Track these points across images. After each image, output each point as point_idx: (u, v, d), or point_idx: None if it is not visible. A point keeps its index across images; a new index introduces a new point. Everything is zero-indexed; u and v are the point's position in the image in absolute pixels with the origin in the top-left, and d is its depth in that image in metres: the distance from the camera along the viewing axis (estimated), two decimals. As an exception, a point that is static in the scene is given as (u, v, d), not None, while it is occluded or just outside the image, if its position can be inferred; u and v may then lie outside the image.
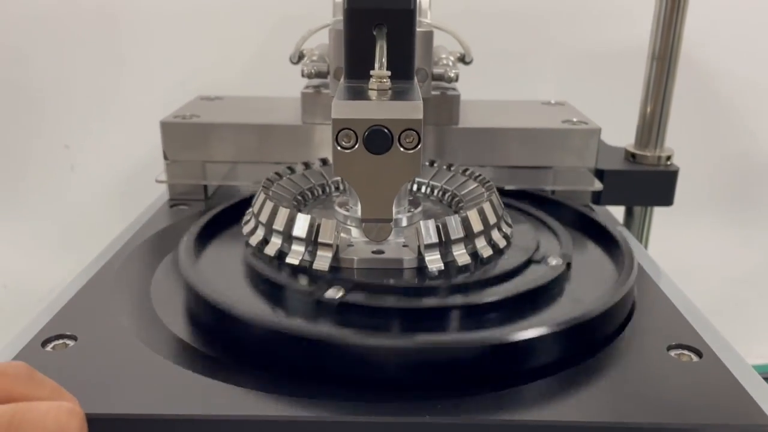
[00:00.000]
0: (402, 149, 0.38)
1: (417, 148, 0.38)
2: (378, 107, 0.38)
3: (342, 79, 0.45)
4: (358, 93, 0.40)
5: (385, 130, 0.37)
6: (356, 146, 0.38)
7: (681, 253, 0.90)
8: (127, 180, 0.94)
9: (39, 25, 0.87)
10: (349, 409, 0.35)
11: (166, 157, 0.65)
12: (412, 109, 0.38)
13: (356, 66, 0.43)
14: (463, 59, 0.65)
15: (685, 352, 0.41)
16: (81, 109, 0.92)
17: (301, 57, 0.63)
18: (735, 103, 0.92)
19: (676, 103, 0.67)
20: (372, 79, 0.41)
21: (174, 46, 0.89)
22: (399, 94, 0.40)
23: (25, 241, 0.96)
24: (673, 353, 0.41)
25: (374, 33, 0.42)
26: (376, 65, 0.41)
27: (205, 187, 0.66)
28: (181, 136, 0.64)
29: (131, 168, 0.93)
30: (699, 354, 0.41)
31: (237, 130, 0.64)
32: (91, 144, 0.93)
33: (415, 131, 0.37)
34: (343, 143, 0.38)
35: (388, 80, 0.41)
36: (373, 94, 0.40)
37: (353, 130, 0.37)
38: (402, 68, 0.43)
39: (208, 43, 0.88)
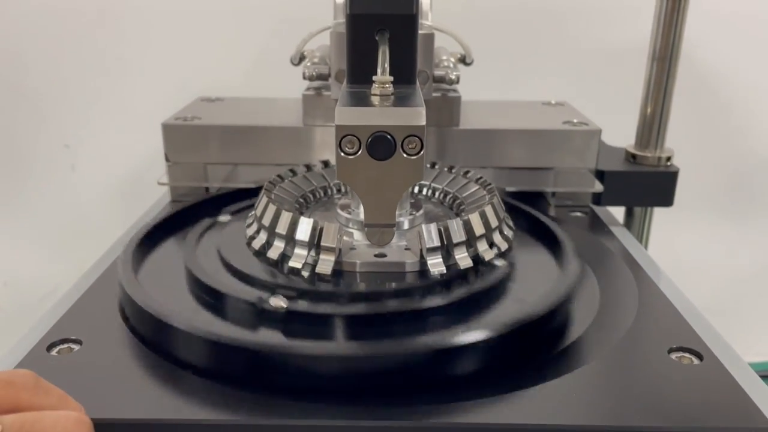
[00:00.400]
0: (405, 155, 0.38)
1: (420, 154, 0.38)
2: (381, 113, 0.38)
3: (344, 84, 0.45)
4: (360, 99, 0.40)
5: (388, 137, 0.37)
6: (359, 152, 0.38)
7: (681, 251, 0.91)
8: (127, 179, 0.94)
9: (39, 24, 0.87)
10: (343, 414, 0.36)
11: (167, 159, 0.65)
12: (415, 115, 0.38)
13: (359, 71, 0.43)
14: (463, 60, 0.65)
15: (686, 354, 0.41)
16: (81, 109, 0.92)
17: (302, 58, 0.63)
18: (735, 102, 0.92)
19: (676, 102, 0.67)
20: (374, 85, 0.41)
21: (175, 46, 0.89)
22: (401, 100, 0.40)
23: (25, 240, 0.96)
24: (674, 356, 0.41)
25: (376, 38, 0.42)
26: (379, 70, 0.41)
27: (207, 188, 0.66)
28: (182, 138, 0.64)
29: (132, 167, 0.93)
30: (700, 356, 0.41)
31: (238, 132, 0.64)
32: (91, 143, 0.93)
33: (418, 137, 0.38)
34: (347, 149, 0.38)
35: (391, 85, 0.41)
36: (375, 99, 0.40)
37: (356, 137, 0.38)
38: (404, 73, 0.43)
39: (209, 43, 0.89)
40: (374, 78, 0.41)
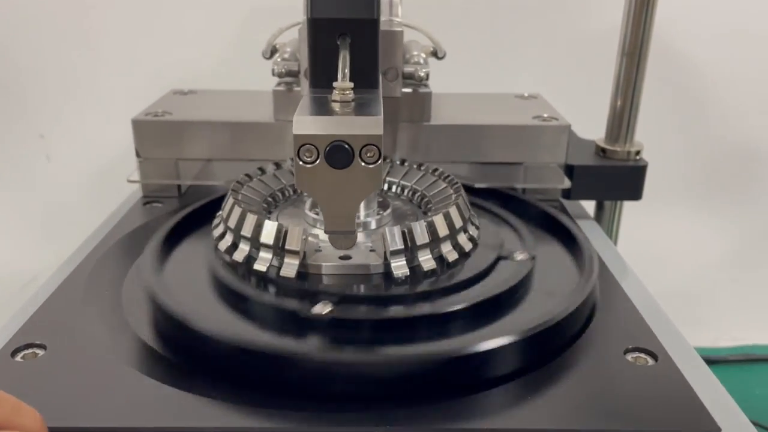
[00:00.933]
0: (363, 164, 0.38)
1: (378, 163, 0.38)
2: (339, 123, 0.38)
3: (307, 88, 0.45)
4: (321, 105, 0.40)
5: (346, 146, 0.38)
6: (318, 161, 0.38)
7: (655, 240, 0.92)
8: (102, 170, 0.94)
9: (16, 13, 0.86)
10: (314, 421, 0.36)
11: (138, 155, 0.64)
12: (372, 125, 0.38)
13: (321, 75, 0.43)
14: (435, 54, 0.65)
15: (642, 355, 0.42)
16: (56, 98, 0.91)
17: (273, 52, 0.63)
18: (706, 93, 0.92)
19: (647, 92, 0.67)
20: (335, 91, 0.41)
21: (149, 36, 0.88)
22: (361, 107, 0.40)
23: (1, 230, 0.96)
24: (629, 357, 0.42)
25: (338, 42, 0.42)
26: (339, 76, 0.41)
27: (179, 186, 0.66)
28: (153, 134, 0.64)
29: (107, 158, 0.93)
30: (655, 357, 0.42)
31: (210, 128, 0.64)
32: (66, 134, 0.93)
33: (376, 146, 0.38)
34: (305, 158, 0.38)
35: (351, 92, 0.41)
36: (336, 106, 0.40)
37: (314, 146, 0.38)
38: (366, 77, 0.43)
39: (184, 32, 0.88)
40: (334, 84, 0.41)
